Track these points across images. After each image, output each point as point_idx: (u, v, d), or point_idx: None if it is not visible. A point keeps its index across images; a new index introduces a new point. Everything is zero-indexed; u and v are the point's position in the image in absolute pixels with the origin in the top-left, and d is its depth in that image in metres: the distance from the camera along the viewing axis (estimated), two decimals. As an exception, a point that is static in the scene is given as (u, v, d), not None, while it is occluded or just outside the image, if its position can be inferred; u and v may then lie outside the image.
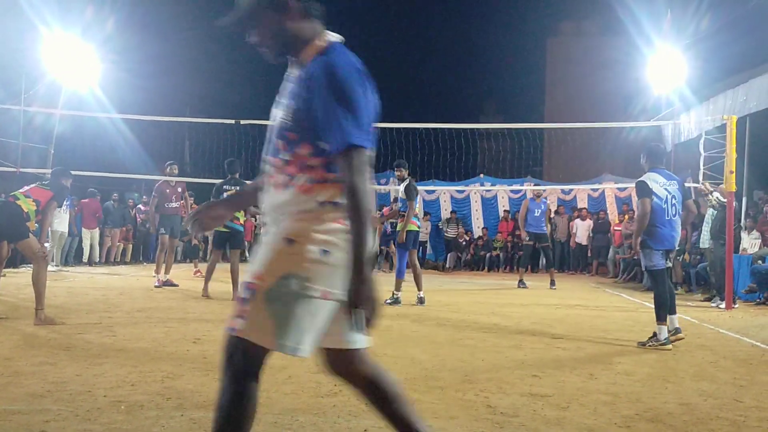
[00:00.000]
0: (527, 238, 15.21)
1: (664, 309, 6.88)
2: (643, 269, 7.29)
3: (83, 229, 18.24)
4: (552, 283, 14.89)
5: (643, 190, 7.04)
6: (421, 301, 10.45)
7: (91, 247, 18.59)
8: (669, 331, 7.03)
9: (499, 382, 4.86)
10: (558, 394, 4.55)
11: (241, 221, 10.83)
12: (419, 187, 11.77)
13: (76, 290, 11.01)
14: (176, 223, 12.54)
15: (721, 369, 5.66)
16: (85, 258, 18.52)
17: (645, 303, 7.71)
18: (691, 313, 10.22)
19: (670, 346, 6.70)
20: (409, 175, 10.87)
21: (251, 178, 13.57)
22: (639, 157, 7.44)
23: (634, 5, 19.99)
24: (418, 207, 10.87)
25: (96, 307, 8.65)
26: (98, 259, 18.73)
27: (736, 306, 11.04)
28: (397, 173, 10.86)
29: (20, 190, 7.72)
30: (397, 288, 10.47)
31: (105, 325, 7.15)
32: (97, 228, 18.69)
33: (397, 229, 10.77)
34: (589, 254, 21.61)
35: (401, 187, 10.69)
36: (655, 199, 7.04)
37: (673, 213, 7.13)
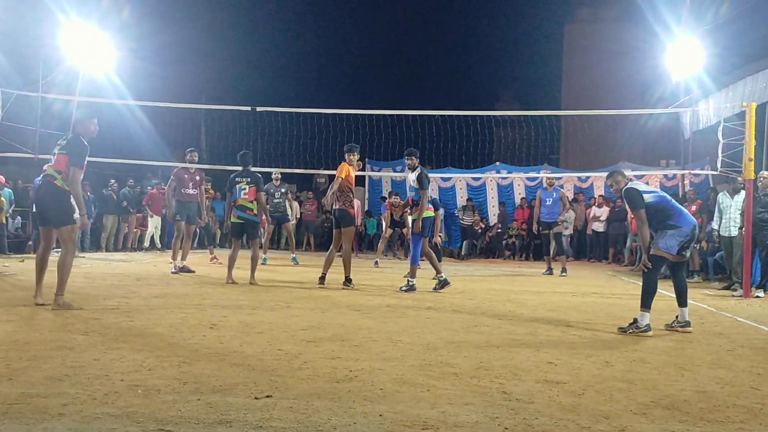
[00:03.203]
0: (538, 230, 15.30)
1: (650, 297, 6.83)
2: (650, 251, 7.07)
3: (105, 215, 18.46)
4: (563, 270, 14.91)
5: (635, 200, 6.96)
6: (442, 283, 10.54)
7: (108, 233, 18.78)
8: (680, 323, 7.01)
9: (514, 368, 4.86)
10: (573, 381, 4.54)
11: (255, 212, 10.88)
12: (434, 175, 11.82)
13: (93, 276, 11.08)
14: (193, 210, 12.59)
15: (738, 357, 5.63)
16: (102, 243, 18.69)
17: (661, 291, 7.67)
18: (708, 301, 10.17)
19: (650, 333, 6.66)
20: (420, 163, 10.87)
21: (267, 165, 13.63)
22: (656, 144, 7.42)
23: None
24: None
25: (113, 293, 8.71)
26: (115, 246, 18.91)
27: (762, 296, 10.93)
28: (408, 161, 10.85)
29: (50, 165, 7.39)
30: (412, 275, 10.49)
31: (122, 310, 7.20)
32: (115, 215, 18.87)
33: (413, 217, 10.78)
34: (606, 242, 21.52)
35: (413, 176, 10.68)
36: (652, 195, 7.01)
37: (675, 200, 7.10)
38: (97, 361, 4.68)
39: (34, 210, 7.95)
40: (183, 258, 12.38)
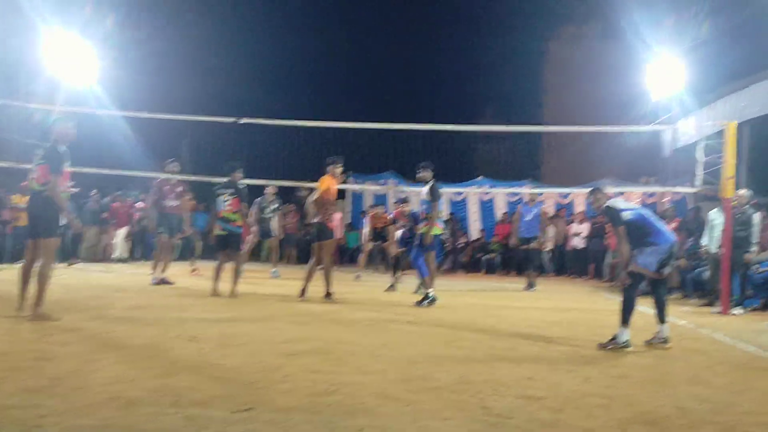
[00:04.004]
0: (517, 245, 15.47)
1: (629, 313, 6.88)
2: (630, 267, 7.13)
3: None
4: (530, 285, 14.95)
5: (615, 218, 7.03)
6: (427, 299, 10.49)
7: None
8: (659, 339, 7.05)
9: (494, 383, 4.87)
10: (553, 397, 4.55)
11: (238, 223, 10.83)
12: (416, 189, 11.85)
13: (72, 287, 10.99)
14: (174, 222, 12.52)
15: (717, 374, 5.67)
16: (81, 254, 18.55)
17: (641, 308, 7.71)
18: (687, 318, 10.24)
19: (630, 349, 6.70)
20: (433, 177, 10.89)
21: (251, 176, 13.58)
22: (638, 161, 7.49)
23: (634, 10, 19.99)
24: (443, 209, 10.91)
25: (93, 304, 8.64)
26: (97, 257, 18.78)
27: (740, 313, 11.03)
28: (420, 174, 10.91)
29: (33, 178, 7.42)
30: (427, 286, 10.48)
31: (102, 322, 7.15)
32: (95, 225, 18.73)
33: (422, 231, 10.77)
34: (586, 258, 21.60)
35: (425, 189, 10.73)
36: (631, 213, 7.07)
37: (655, 216, 7.17)
38: (76, 372, 4.65)
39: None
40: (163, 270, 12.30)
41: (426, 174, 10.80)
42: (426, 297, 10.40)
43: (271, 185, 15.66)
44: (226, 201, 10.74)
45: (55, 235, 7.31)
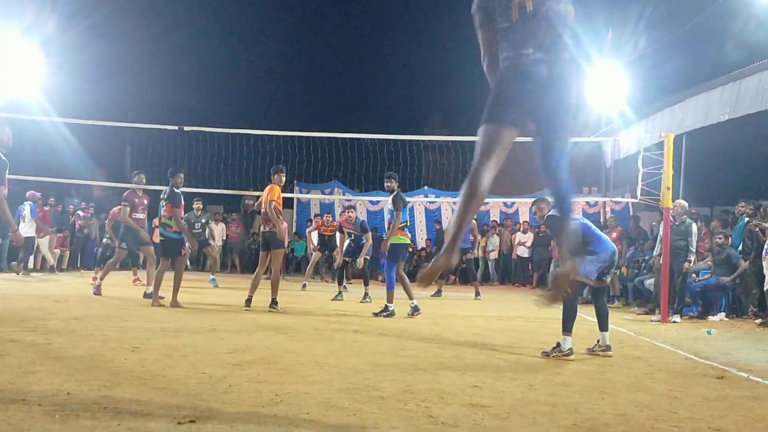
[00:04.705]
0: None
1: (571, 321, 6.99)
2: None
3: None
4: (477, 293, 15.30)
5: (557, 227, 7.14)
6: (415, 309, 10.49)
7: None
8: (601, 347, 7.17)
9: (440, 392, 4.89)
10: (498, 405, 4.59)
11: (175, 229, 10.63)
12: (363, 198, 11.87)
13: (9, 297, 10.72)
14: (137, 235, 12.08)
15: (657, 381, 5.78)
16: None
17: (583, 315, 7.87)
18: (628, 326, 10.44)
19: (573, 357, 6.81)
20: (398, 186, 10.90)
21: (194, 185, 13.42)
22: (581, 171, 7.62)
23: (576, 23, 20.34)
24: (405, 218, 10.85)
25: (31, 315, 8.43)
26: (34, 266, 18.31)
27: (678, 321, 11.28)
28: (386, 184, 10.89)
29: None
30: (389, 300, 10.45)
31: (40, 332, 6.98)
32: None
33: (384, 238, 10.80)
34: (530, 267, 21.89)
35: (389, 198, 10.75)
36: (575, 220, 7.19)
37: (596, 226, 7.32)
38: (13, 384, 4.52)
39: None
40: (101, 278, 12.05)
41: (391, 184, 10.84)
42: (385, 308, 10.39)
43: (197, 201, 15.41)
44: (162, 207, 10.68)
45: None
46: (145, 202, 12.26)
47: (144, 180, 12.40)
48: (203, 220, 15.80)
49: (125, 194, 12.25)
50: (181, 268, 10.82)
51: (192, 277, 15.34)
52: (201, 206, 15.56)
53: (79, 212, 20.58)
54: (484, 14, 3.72)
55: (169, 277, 10.89)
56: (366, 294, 13.09)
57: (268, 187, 10.75)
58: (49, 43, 17.95)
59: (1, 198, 7.01)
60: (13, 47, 16.19)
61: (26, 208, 17.12)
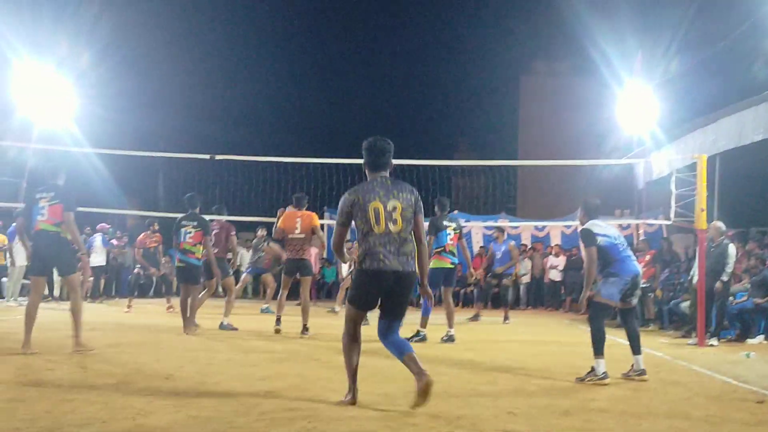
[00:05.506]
0: (492, 282, 15.78)
1: (600, 344, 6.92)
2: (593, 298, 7.26)
3: None
4: (506, 317, 15.19)
5: (589, 239, 7.11)
6: (450, 338, 10.43)
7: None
8: (635, 371, 7.08)
9: (473, 418, 4.84)
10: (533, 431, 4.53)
11: (198, 255, 10.65)
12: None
13: (45, 325, 10.82)
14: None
15: (694, 406, 5.68)
16: (56, 292, 18.28)
17: (617, 339, 7.77)
18: (664, 349, 10.28)
19: (608, 381, 6.72)
20: (439, 211, 10.93)
21: (233, 213, 13.51)
22: (612, 194, 7.57)
23: (606, 45, 20.33)
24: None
25: (66, 343, 8.50)
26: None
27: (716, 344, 11.07)
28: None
29: (43, 219, 7.70)
30: (423, 325, 10.42)
31: (75, 360, 7.05)
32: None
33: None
34: (562, 291, 21.69)
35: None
36: (604, 239, 7.13)
37: (625, 246, 7.25)
38: (49, 413, 4.57)
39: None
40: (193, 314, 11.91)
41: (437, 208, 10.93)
42: (417, 333, 10.32)
43: (261, 228, 15.77)
44: (188, 233, 10.57)
45: (75, 270, 7.95)
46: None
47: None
48: (266, 244, 15.93)
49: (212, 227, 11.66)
50: (197, 295, 10.74)
51: (244, 305, 15.14)
52: (264, 233, 15.76)
53: (113, 241, 20.80)
54: None
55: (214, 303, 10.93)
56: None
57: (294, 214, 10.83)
58: (83, 76, 18.29)
59: (72, 222, 7.71)
60: (48, 80, 16.50)
61: (97, 238, 18.17)
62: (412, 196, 5.33)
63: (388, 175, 5.47)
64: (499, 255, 15.52)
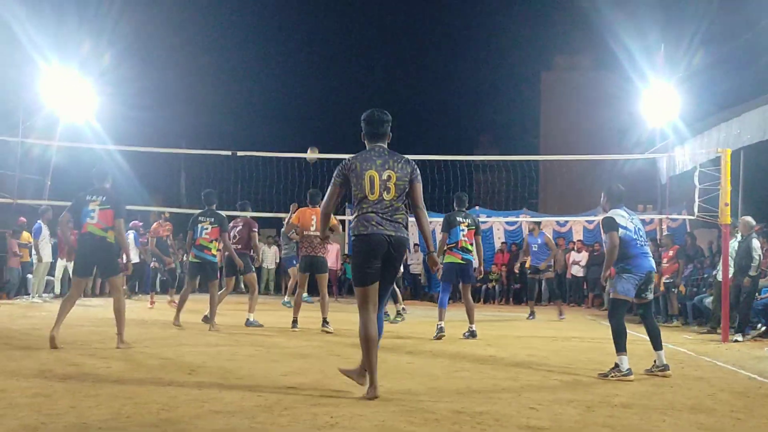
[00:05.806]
0: (529, 271, 15.52)
1: (622, 339, 6.89)
2: (610, 295, 7.31)
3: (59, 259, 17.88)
4: (560, 313, 15.13)
5: (611, 225, 7.06)
6: (472, 334, 10.42)
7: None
8: (658, 367, 7.04)
9: (495, 414, 4.84)
10: (556, 427, 4.52)
11: (213, 252, 10.67)
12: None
13: (69, 322, 10.91)
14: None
15: (719, 402, 5.64)
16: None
17: (640, 335, 7.73)
18: (688, 345, 10.21)
19: (632, 377, 6.68)
20: (456, 207, 10.92)
21: (255, 209, 13.54)
22: (634, 189, 7.50)
23: (627, 40, 20.18)
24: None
25: (90, 339, 8.61)
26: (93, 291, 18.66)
27: (741, 340, 10.96)
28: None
29: (92, 222, 7.87)
30: (441, 317, 10.44)
31: (99, 356, 7.11)
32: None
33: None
34: (585, 286, 21.60)
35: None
36: (624, 231, 7.08)
37: (643, 242, 7.19)
38: (74, 408, 4.61)
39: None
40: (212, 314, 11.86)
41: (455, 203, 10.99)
42: (437, 327, 10.31)
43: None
44: (205, 229, 10.54)
45: (119, 272, 8.19)
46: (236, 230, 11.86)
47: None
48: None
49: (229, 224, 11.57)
50: (215, 290, 10.73)
51: (268, 301, 15.09)
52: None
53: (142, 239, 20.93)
54: None
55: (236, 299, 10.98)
56: (398, 312, 13.10)
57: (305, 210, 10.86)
58: (105, 75, 18.44)
59: (122, 229, 8.00)
60: (71, 80, 16.65)
61: (129, 236, 17.60)
62: (408, 166, 5.61)
63: (386, 146, 5.72)
64: (535, 248, 15.42)
